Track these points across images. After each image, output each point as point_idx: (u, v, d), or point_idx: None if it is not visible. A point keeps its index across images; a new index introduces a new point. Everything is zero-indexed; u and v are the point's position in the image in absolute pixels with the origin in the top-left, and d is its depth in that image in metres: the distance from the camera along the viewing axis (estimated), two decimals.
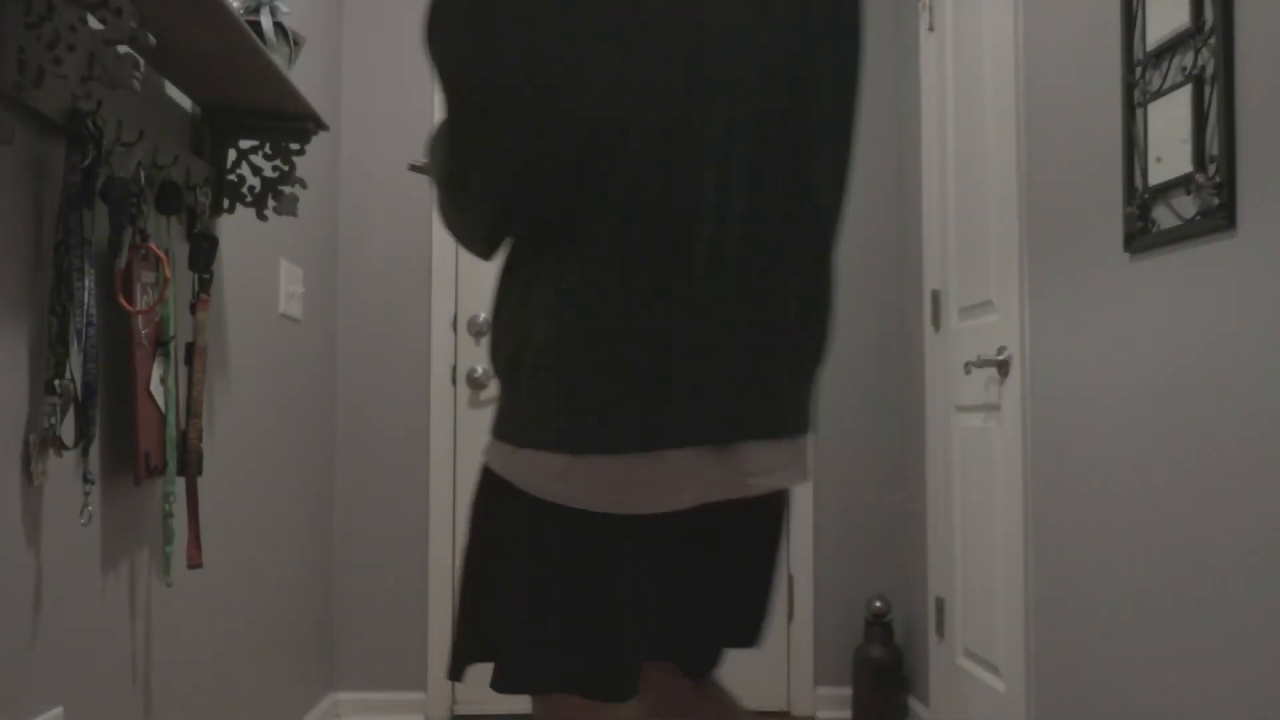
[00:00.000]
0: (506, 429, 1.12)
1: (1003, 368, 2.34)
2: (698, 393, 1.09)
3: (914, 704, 3.02)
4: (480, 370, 3.11)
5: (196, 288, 1.85)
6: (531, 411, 1.09)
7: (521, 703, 3.10)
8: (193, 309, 1.85)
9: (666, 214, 1.07)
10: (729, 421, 1.11)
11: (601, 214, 1.07)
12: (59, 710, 1.47)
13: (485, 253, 1.19)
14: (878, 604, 3.06)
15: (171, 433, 1.74)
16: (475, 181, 1.09)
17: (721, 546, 1.26)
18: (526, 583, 1.11)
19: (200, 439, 1.83)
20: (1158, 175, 1.69)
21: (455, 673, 1.17)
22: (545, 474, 1.08)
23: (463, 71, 1.06)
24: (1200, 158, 1.57)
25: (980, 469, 2.51)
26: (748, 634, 1.31)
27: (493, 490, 1.14)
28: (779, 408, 1.16)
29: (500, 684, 1.13)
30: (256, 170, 2.05)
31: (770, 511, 1.28)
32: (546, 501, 1.08)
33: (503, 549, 1.13)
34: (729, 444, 1.12)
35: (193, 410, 1.80)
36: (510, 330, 1.12)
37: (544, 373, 1.08)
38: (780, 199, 1.16)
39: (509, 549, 1.12)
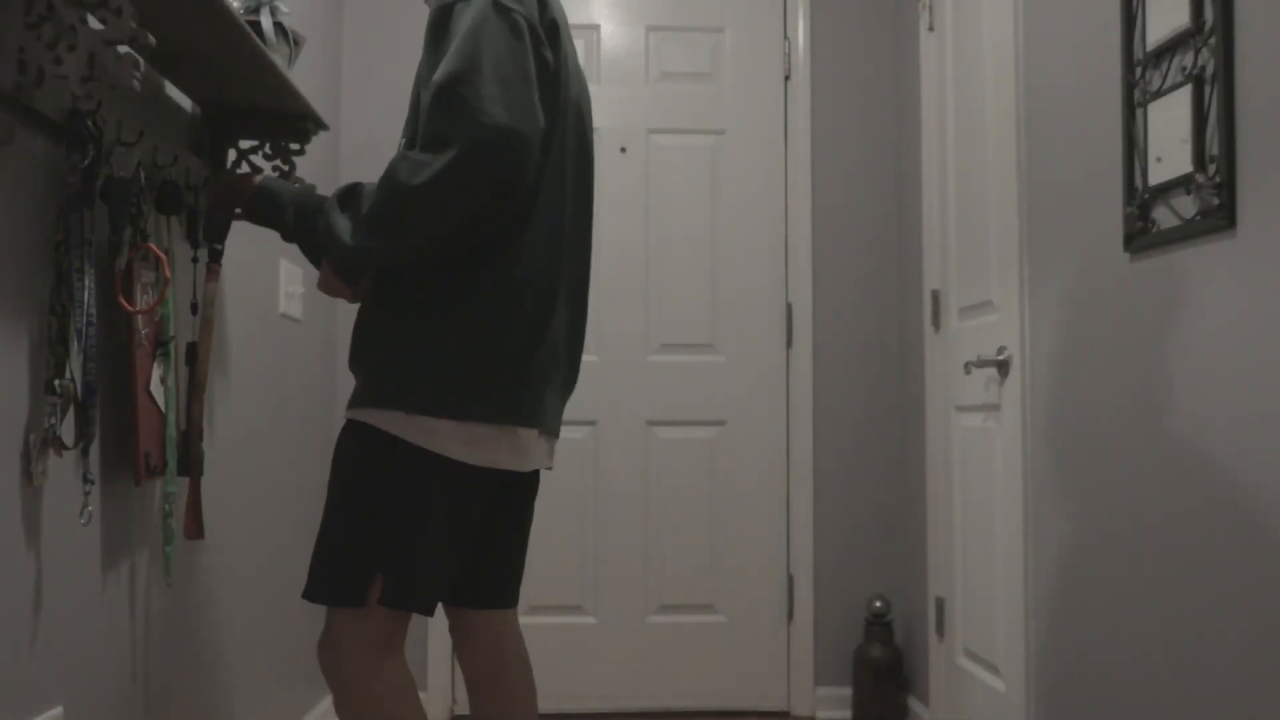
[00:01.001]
0: (403, 398, 1.52)
1: (1003, 368, 2.35)
2: (544, 398, 1.62)
3: (914, 704, 3.02)
4: None
5: (207, 258, 1.84)
6: (435, 388, 1.52)
7: None
8: (193, 306, 1.84)
9: (549, 280, 1.61)
10: (550, 420, 1.66)
11: (517, 263, 1.56)
12: (59, 710, 1.47)
13: (438, 251, 1.54)
14: (878, 604, 3.06)
15: (172, 432, 1.74)
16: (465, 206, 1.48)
17: (517, 508, 1.79)
18: (424, 517, 1.54)
19: (201, 437, 1.83)
20: (1158, 175, 1.69)
21: (353, 595, 1.52)
22: (443, 434, 1.52)
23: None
24: (1200, 158, 1.57)
25: (980, 469, 2.51)
26: (514, 584, 1.82)
27: (374, 444, 1.53)
28: (559, 418, 1.74)
29: (394, 599, 1.52)
30: (257, 170, 2.05)
31: (534, 489, 1.83)
32: (442, 456, 1.52)
33: (397, 493, 1.53)
34: (549, 436, 1.69)
35: (194, 395, 1.80)
36: (422, 329, 1.53)
37: (458, 364, 1.52)
38: (580, 291, 1.76)
39: (405, 492, 1.53)
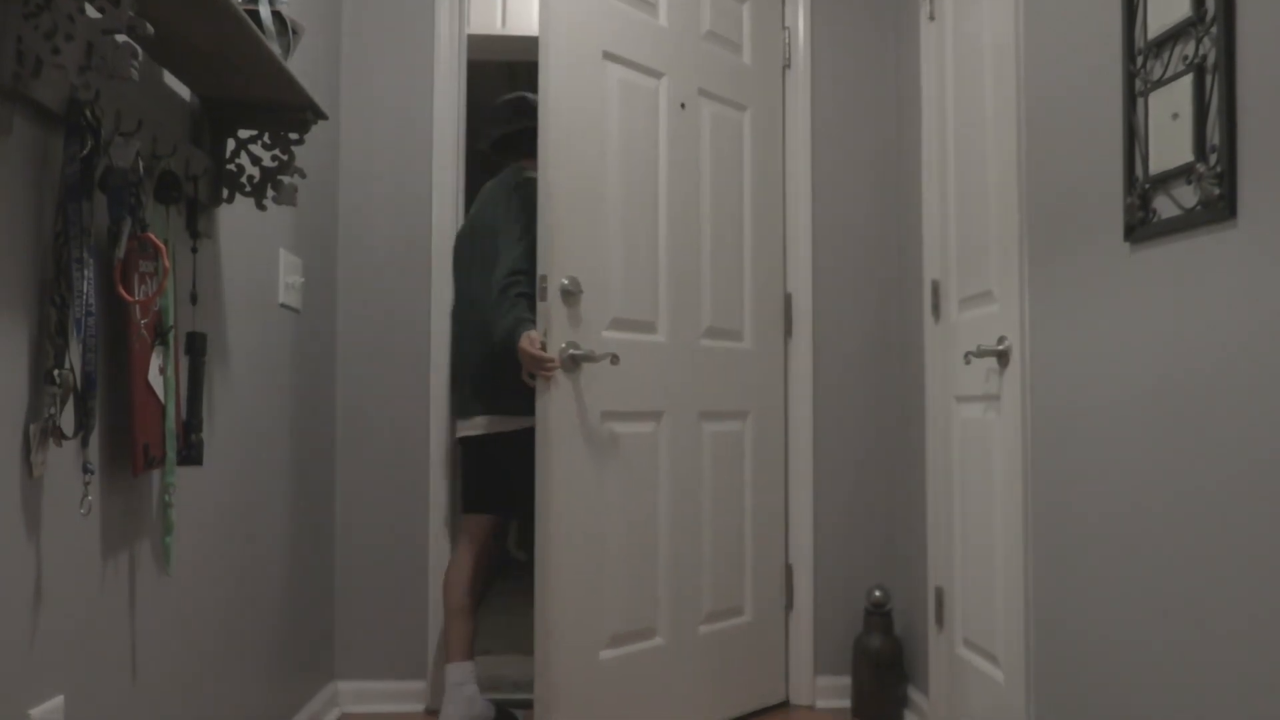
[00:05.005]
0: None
1: (1002, 358, 2.34)
2: (453, 403, 3.18)
3: (913, 694, 3.03)
4: None
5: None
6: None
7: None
8: (193, 296, 1.84)
9: (452, 347, 3.21)
10: (454, 412, 3.14)
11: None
12: (60, 699, 1.47)
13: None
14: (877, 594, 3.07)
15: (171, 424, 1.74)
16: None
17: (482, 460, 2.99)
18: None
19: (201, 428, 1.83)
20: (1158, 165, 1.69)
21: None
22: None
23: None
24: (1201, 147, 1.57)
25: (980, 459, 2.52)
26: (513, 503, 2.98)
27: None
28: (462, 404, 2.99)
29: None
30: (255, 160, 2.05)
31: (487, 446, 2.94)
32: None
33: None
34: (457, 419, 3.02)
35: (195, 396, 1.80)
36: None
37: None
38: (463, 331, 3.05)
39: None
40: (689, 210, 2.97)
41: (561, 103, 2.60)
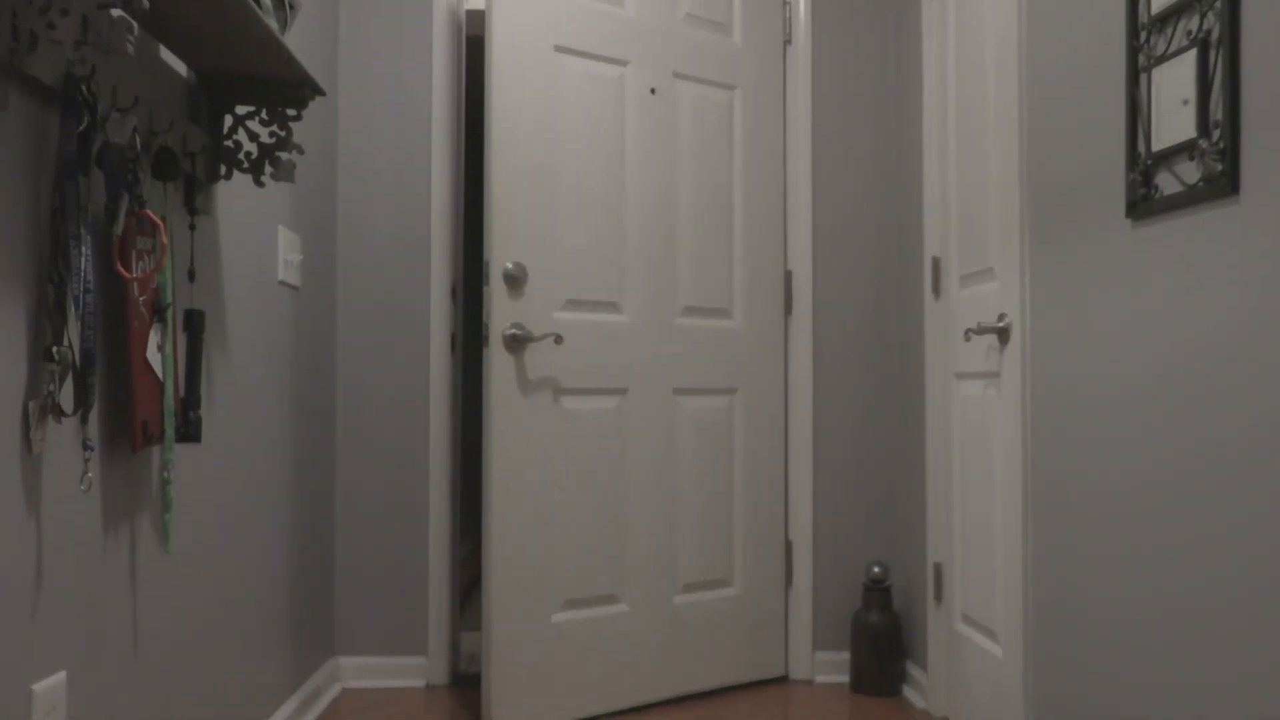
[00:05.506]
0: None
1: (1003, 335, 2.34)
2: None
3: (912, 669, 3.05)
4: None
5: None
6: None
7: None
8: (190, 273, 1.84)
9: None
10: None
11: None
12: (62, 674, 1.48)
13: None
14: (876, 569, 3.08)
15: (169, 401, 1.74)
16: None
17: None
18: None
19: (199, 405, 1.83)
20: (1161, 141, 1.68)
21: None
22: None
23: None
24: (1204, 123, 1.56)
25: (979, 436, 2.52)
26: None
27: None
28: None
29: None
30: (253, 136, 2.04)
31: None
32: None
33: None
34: None
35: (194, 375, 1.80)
36: None
37: None
38: None
39: None
40: (662, 193, 3.01)
41: (507, 98, 2.69)
